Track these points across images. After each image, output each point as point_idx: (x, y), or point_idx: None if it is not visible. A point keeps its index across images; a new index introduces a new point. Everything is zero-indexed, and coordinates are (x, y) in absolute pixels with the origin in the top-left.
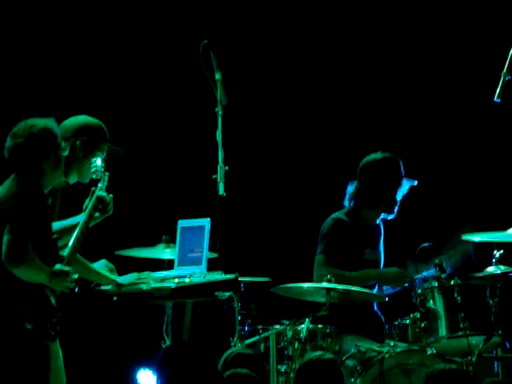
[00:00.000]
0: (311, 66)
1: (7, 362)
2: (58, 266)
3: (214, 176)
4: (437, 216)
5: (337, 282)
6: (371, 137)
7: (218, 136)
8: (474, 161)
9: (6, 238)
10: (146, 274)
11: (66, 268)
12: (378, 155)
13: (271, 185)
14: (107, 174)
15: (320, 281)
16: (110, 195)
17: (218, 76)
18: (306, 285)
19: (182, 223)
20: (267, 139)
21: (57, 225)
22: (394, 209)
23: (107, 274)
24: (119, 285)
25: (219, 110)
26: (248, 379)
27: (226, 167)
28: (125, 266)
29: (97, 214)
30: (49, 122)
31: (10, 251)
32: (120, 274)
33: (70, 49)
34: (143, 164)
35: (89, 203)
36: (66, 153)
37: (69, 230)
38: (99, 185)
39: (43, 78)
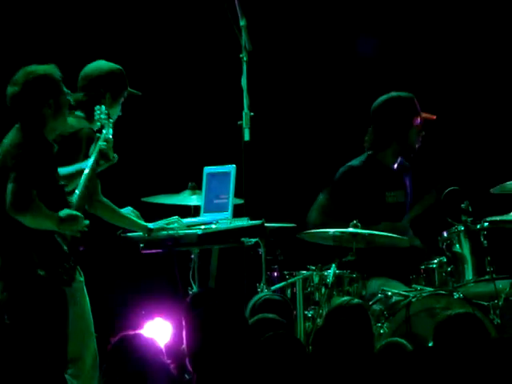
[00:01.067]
0: (335, 9)
1: (23, 310)
2: (66, 211)
3: (239, 122)
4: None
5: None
6: (398, 82)
7: (243, 82)
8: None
9: (10, 187)
10: (175, 219)
11: (75, 212)
12: (386, 95)
13: (296, 130)
14: (112, 120)
15: (315, 220)
16: (111, 140)
17: (242, 22)
18: (331, 230)
19: (208, 170)
20: (292, 84)
21: (63, 170)
22: (409, 148)
23: (137, 219)
24: (149, 230)
25: (244, 56)
26: (276, 324)
27: (251, 113)
28: (151, 212)
29: (102, 162)
30: (48, 68)
31: (14, 199)
32: (146, 220)
33: None
34: (169, 111)
35: (94, 150)
36: (81, 97)
37: (75, 176)
38: (104, 131)
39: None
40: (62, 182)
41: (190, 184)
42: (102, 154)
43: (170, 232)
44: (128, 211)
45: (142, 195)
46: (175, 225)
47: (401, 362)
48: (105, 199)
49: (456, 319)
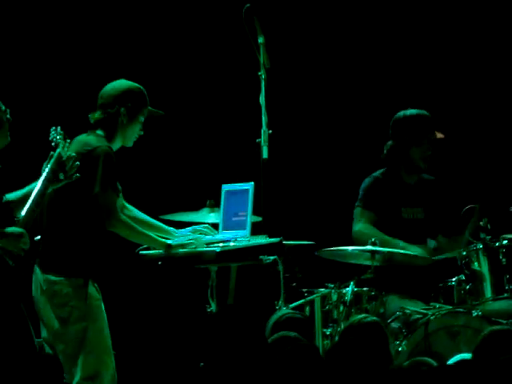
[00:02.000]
0: (353, 27)
1: None
2: (9, 229)
3: (257, 140)
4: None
5: (366, 238)
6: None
7: (262, 100)
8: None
9: None
10: (196, 237)
11: (19, 230)
12: (406, 111)
13: (315, 148)
14: (68, 140)
15: (357, 235)
16: (73, 154)
17: (260, 40)
18: (350, 248)
19: (226, 187)
20: (310, 102)
21: (15, 194)
22: (415, 167)
23: (157, 237)
24: (169, 246)
25: (262, 74)
26: (297, 342)
27: (270, 131)
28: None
29: (61, 177)
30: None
31: None
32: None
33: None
34: (188, 128)
35: (47, 166)
36: (98, 116)
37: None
38: (58, 150)
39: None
40: (8, 199)
41: (208, 201)
42: (54, 171)
43: (188, 249)
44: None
45: (160, 213)
46: (194, 241)
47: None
48: (125, 217)
49: (497, 335)
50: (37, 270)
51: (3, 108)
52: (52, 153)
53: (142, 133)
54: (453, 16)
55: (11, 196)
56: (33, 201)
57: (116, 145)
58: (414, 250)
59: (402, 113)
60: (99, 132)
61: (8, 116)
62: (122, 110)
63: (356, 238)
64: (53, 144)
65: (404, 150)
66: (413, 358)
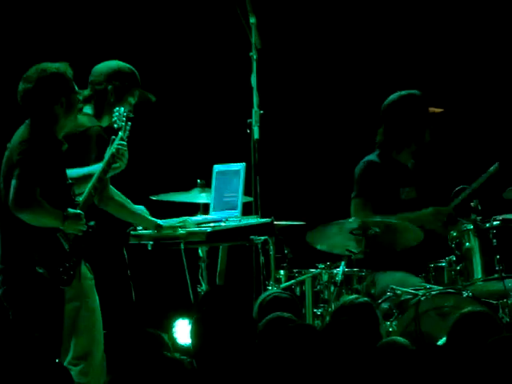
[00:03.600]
0: (345, 9)
1: (20, 305)
2: (71, 210)
3: (249, 120)
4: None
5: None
6: (408, 79)
7: (253, 80)
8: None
9: (12, 183)
10: (183, 219)
11: (79, 211)
12: (397, 95)
13: (306, 128)
14: (129, 123)
15: None
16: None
17: (252, 20)
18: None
19: (218, 168)
20: (301, 82)
21: (75, 172)
22: (424, 146)
23: (147, 215)
24: (159, 226)
25: (254, 54)
26: (290, 323)
27: (261, 111)
28: (160, 210)
29: (116, 165)
30: (61, 66)
31: (16, 197)
32: (155, 218)
33: None
34: (179, 109)
35: (108, 152)
36: (87, 92)
37: (87, 178)
38: (120, 133)
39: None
40: (70, 181)
41: (199, 182)
42: (116, 157)
43: (180, 230)
44: (141, 209)
45: (152, 193)
46: (185, 223)
47: (403, 361)
48: (116, 196)
49: (471, 317)
50: None
51: (77, 89)
52: (113, 137)
53: (131, 115)
54: (443, 5)
55: (72, 173)
56: (92, 185)
57: (104, 123)
58: (426, 213)
59: (404, 93)
60: (87, 110)
61: (130, 100)
62: (110, 87)
63: None
64: (115, 126)
65: (421, 131)
66: (385, 339)
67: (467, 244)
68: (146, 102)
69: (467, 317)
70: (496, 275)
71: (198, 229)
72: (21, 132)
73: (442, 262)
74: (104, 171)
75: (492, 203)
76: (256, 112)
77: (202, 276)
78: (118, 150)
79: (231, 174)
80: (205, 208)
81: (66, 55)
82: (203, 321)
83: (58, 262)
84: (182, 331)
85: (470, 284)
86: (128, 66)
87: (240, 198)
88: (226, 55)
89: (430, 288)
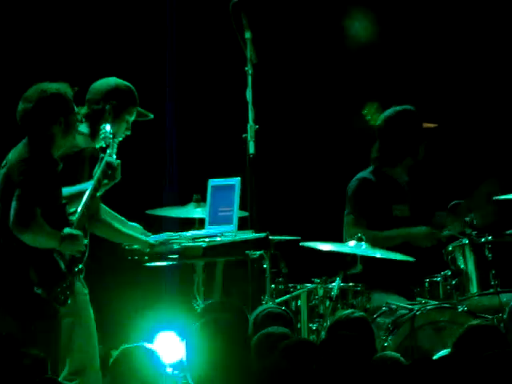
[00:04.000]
0: (339, 22)
1: (18, 326)
2: (67, 230)
3: (244, 135)
4: (466, 171)
5: (367, 241)
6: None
7: (248, 95)
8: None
9: (13, 204)
10: (177, 235)
11: (76, 232)
12: (391, 110)
13: (301, 143)
14: (116, 140)
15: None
16: (118, 161)
17: (247, 35)
18: (333, 247)
19: (213, 182)
20: (297, 98)
21: (66, 191)
22: (417, 160)
23: (138, 235)
24: (151, 245)
25: (249, 69)
26: (283, 338)
27: (256, 126)
28: (155, 225)
29: (105, 181)
30: (61, 87)
31: (17, 217)
32: (152, 233)
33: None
34: (174, 123)
35: (98, 170)
36: (84, 111)
37: (78, 196)
38: (108, 151)
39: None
40: (64, 201)
41: (194, 196)
42: (105, 174)
43: (175, 246)
44: (135, 226)
45: (147, 208)
46: (179, 238)
47: (396, 376)
48: (108, 217)
49: (478, 330)
50: None
51: (76, 110)
52: (102, 155)
53: (128, 132)
54: (441, 8)
55: (63, 192)
56: (84, 204)
57: (99, 144)
58: (420, 231)
59: (399, 108)
60: (83, 129)
61: (126, 118)
62: (107, 107)
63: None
64: (103, 144)
65: (416, 146)
66: (379, 353)
67: (462, 259)
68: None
69: (474, 330)
70: (491, 290)
71: (193, 243)
72: (18, 151)
73: (437, 277)
74: (95, 189)
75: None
76: (251, 127)
77: (197, 290)
78: (108, 165)
79: (226, 188)
80: (200, 223)
81: (64, 71)
82: (201, 335)
83: (55, 282)
84: (165, 345)
85: (466, 299)
86: (126, 83)
87: (235, 213)
88: (222, 70)
89: (425, 303)
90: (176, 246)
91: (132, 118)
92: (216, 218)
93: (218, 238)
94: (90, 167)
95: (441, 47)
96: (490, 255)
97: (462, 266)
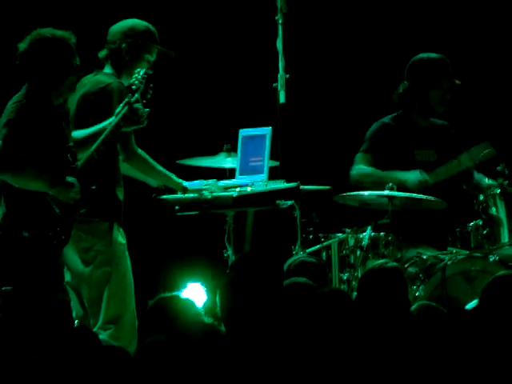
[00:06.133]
0: None
1: (6, 269)
2: (61, 178)
3: (274, 84)
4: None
5: (364, 179)
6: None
7: (279, 44)
8: None
9: None
10: (212, 182)
11: (70, 179)
12: (424, 55)
13: (332, 91)
14: (151, 85)
15: (354, 178)
16: (147, 110)
17: None
18: (366, 193)
19: (244, 132)
20: (327, 46)
21: (80, 133)
22: (430, 110)
23: (172, 175)
24: (184, 188)
25: (279, 19)
26: (307, 288)
27: (287, 75)
28: (186, 175)
29: (123, 125)
30: (63, 33)
31: None
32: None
33: None
34: (205, 73)
35: (120, 110)
36: (104, 53)
37: (94, 138)
38: (136, 95)
39: None
40: (71, 144)
41: (225, 146)
42: (127, 119)
43: (205, 194)
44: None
45: (178, 157)
46: (211, 187)
47: (438, 325)
48: (140, 151)
49: (505, 280)
50: None
51: (77, 57)
52: (127, 99)
53: (150, 72)
54: None
55: (80, 134)
56: (95, 148)
57: (124, 82)
58: (409, 176)
59: (423, 55)
60: (106, 70)
61: (147, 57)
62: (124, 45)
63: (355, 180)
64: (133, 87)
65: (423, 92)
66: (418, 302)
67: (494, 208)
68: (174, 65)
69: (502, 279)
70: None
71: (224, 193)
72: (16, 95)
73: (468, 227)
74: (112, 132)
75: None
76: (282, 76)
77: (228, 241)
78: (132, 111)
79: (257, 138)
80: (231, 173)
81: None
82: (233, 285)
83: (48, 227)
84: (195, 295)
85: (497, 248)
86: (144, 23)
87: (266, 163)
88: (252, 20)
89: (456, 252)
90: (207, 195)
91: (153, 58)
92: (247, 168)
93: (249, 188)
94: (119, 101)
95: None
96: None
97: (494, 216)
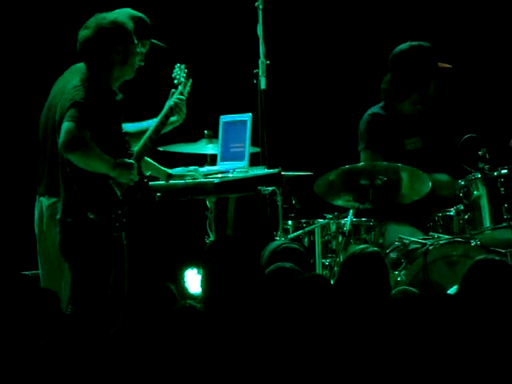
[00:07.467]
0: None
1: (72, 251)
2: (122, 159)
3: (255, 70)
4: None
5: None
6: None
7: (259, 30)
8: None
9: (63, 126)
10: (193, 168)
11: (130, 160)
12: (407, 44)
13: (313, 77)
14: (191, 80)
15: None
16: (182, 98)
17: None
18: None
19: (224, 118)
20: (308, 32)
21: (131, 126)
22: (428, 98)
23: (157, 164)
24: (169, 175)
25: (260, 4)
26: (292, 273)
27: (268, 61)
28: (167, 161)
29: (174, 118)
30: (121, 16)
31: (66, 137)
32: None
33: None
34: (185, 59)
35: (167, 104)
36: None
37: (142, 133)
38: (179, 88)
39: None
40: (126, 131)
41: (206, 132)
42: (173, 110)
43: (187, 181)
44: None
45: (159, 144)
46: (193, 173)
47: (418, 310)
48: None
49: (486, 264)
50: (44, 201)
51: (136, 41)
52: (173, 90)
53: (142, 63)
54: None
55: (129, 127)
56: (147, 136)
57: (116, 74)
58: (442, 179)
59: (415, 43)
60: None
61: (138, 49)
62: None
63: None
64: (175, 81)
65: (425, 82)
66: (396, 288)
67: (475, 193)
68: (155, 51)
69: (482, 263)
70: (504, 224)
71: (205, 180)
72: (74, 79)
73: (450, 211)
74: (161, 123)
75: (499, 152)
76: (262, 62)
77: (210, 227)
78: (176, 103)
79: (238, 124)
80: (212, 159)
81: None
82: (213, 270)
83: (110, 209)
84: (192, 281)
85: (479, 233)
86: (139, 14)
87: (247, 149)
88: (232, 5)
89: (438, 237)
90: (188, 182)
91: (145, 49)
92: (228, 154)
93: (230, 174)
94: None
95: None
96: (502, 189)
97: (475, 200)
